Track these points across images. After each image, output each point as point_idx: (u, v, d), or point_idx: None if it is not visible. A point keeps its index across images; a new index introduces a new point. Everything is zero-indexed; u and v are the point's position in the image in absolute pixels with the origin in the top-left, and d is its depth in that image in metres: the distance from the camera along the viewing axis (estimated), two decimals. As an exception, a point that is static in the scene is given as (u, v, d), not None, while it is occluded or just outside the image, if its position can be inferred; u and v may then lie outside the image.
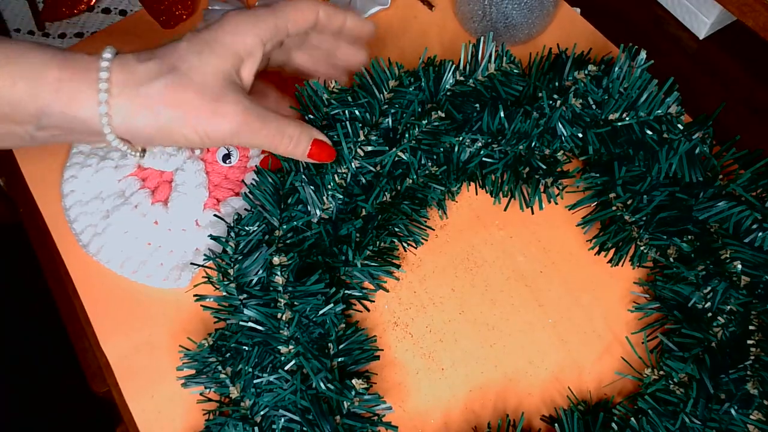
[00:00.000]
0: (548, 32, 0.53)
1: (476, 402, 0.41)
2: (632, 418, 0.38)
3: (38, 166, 0.50)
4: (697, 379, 0.38)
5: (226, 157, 0.48)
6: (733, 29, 0.56)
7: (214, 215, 0.46)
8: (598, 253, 0.45)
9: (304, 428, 0.37)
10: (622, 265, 0.44)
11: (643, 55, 0.44)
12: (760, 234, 0.41)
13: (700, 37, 0.56)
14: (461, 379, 0.42)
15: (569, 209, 0.46)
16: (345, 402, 0.38)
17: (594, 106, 0.44)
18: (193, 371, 0.40)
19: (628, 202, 0.43)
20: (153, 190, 0.47)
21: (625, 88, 0.44)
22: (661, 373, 0.40)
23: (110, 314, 0.44)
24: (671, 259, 0.42)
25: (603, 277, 0.45)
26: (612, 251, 0.44)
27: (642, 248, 0.43)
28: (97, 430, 0.67)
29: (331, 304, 0.40)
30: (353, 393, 0.38)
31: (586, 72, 0.45)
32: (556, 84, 0.45)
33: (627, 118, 0.44)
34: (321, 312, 0.39)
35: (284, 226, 0.42)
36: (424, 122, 0.43)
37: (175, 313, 0.44)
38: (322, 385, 0.38)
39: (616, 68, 0.44)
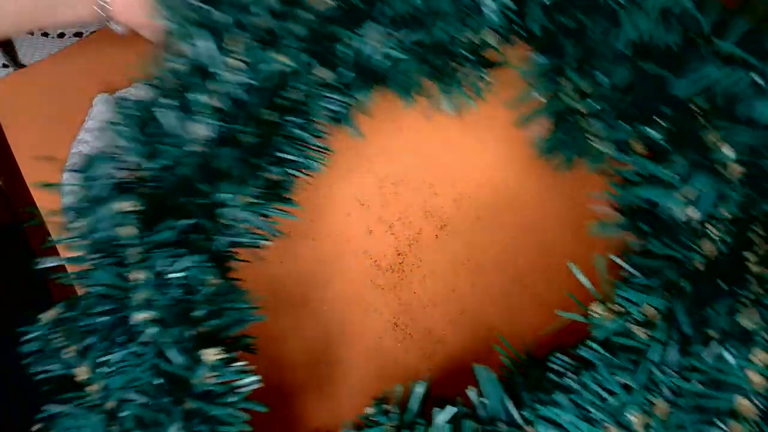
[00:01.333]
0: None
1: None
2: (568, 374, 0.30)
3: (38, 166, 0.50)
4: (666, 314, 0.29)
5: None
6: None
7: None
8: (546, 158, 0.37)
9: (152, 414, 0.30)
10: (571, 168, 0.37)
11: None
12: (760, 103, 0.30)
13: (701, 37, 0.55)
14: (462, 380, 0.42)
15: (511, 109, 0.39)
16: (194, 379, 0.31)
17: None
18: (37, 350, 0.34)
19: (583, 87, 0.34)
20: (153, 190, 0.47)
21: None
22: (617, 309, 0.30)
23: (110, 314, 0.44)
24: (638, 154, 0.33)
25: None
26: (561, 156, 0.36)
27: (595, 143, 0.35)
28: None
29: (196, 257, 0.32)
30: (205, 367, 0.31)
31: None
32: None
33: None
34: (181, 267, 0.32)
35: (147, 165, 0.34)
36: (308, 14, 0.35)
37: (175, 313, 0.44)
38: (176, 357, 0.31)
39: None
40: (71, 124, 0.50)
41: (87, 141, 0.49)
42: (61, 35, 0.56)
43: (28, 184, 0.49)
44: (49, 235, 0.47)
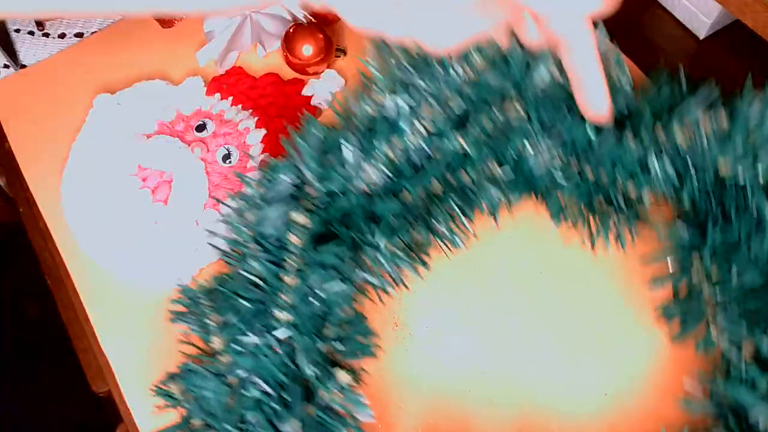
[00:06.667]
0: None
1: (477, 403, 0.41)
2: None
3: (39, 166, 0.50)
4: None
5: (226, 157, 0.48)
6: (733, 29, 0.56)
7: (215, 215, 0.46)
8: (662, 319, 0.39)
9: (273, 404, 0.33)
10: (682, 341, 0.38)
11: None
12: None
13: (701, 37, 0.56)
14: (461, 380, 0.42)
15: (644, 264, 0.41)
16: (323, 391, 0.34)
17: (703, 149, 0.36)
18: (183, 308, 0.38)
19: (714, 274, 0.36)
20: (153, 190, 0.47)
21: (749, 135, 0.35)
22: None
23: (110, 314, 0.44)
24: (744, 359, 0.34)
25: (605, 280, 0.45)
26: (676, 323, 0.38)
27: (713, 333, 0.36)
28: (97, 430, 0.67)
29: (343, 284, 0.36)
30: (336, 384, 0.34)
31: (712, 114, 0.36)
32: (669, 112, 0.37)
33: (742, 177, 0.35)
34: (329, 287, 0.35)
35: (318, 185, 0.38)
36: (498, 114, 0.38)
37: (175, 313, 0.44)
38: (306, 365, 0.34)
39: (744, 106, 0.36)
40: (72, 125, 0.51)
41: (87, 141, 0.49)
42: (62, 36, 0.57)
43: (28, 184, 0.49)
44: (50, 235, 0.47)
